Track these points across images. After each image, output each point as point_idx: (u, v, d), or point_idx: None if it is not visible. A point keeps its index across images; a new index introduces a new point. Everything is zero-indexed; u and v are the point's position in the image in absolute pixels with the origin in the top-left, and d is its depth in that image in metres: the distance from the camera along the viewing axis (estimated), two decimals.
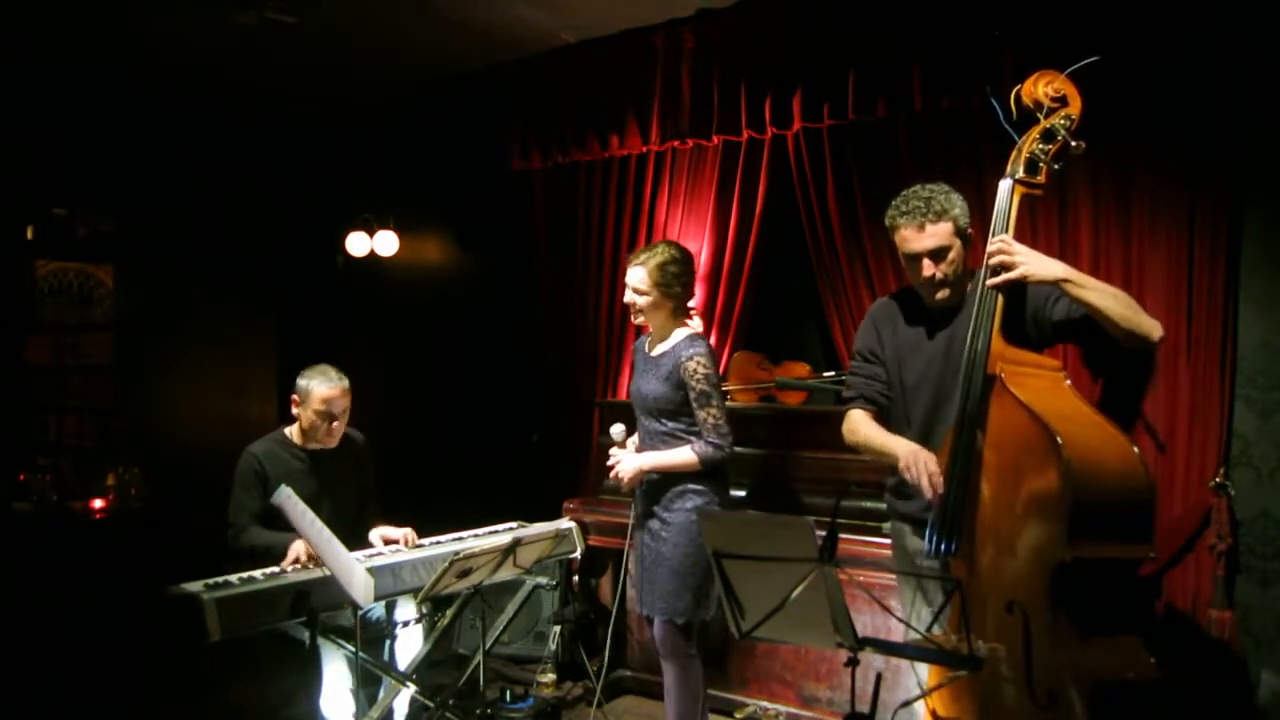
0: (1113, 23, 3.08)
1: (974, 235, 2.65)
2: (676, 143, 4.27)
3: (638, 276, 3.08)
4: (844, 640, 2.07)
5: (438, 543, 3.40)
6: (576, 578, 4.17)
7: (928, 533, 2.44)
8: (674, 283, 3.07)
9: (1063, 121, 2.47)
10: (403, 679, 3.26)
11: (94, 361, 5.56)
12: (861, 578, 2.72)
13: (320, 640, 2.96)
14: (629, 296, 3.12)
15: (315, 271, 6.02)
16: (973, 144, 3.50)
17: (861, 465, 3.41)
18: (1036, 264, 2.44)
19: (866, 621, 3.02)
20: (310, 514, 2.81)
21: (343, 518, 3.33)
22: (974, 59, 3.38)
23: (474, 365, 5.61)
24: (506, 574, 3.15)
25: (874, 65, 3.63)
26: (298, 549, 3.07)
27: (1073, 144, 2.45)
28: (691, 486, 3.06)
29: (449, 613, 3.48)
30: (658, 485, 3.09)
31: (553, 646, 4.24)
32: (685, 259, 3.12)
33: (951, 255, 2.58)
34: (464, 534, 3.51)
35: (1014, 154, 2.50)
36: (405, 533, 3.39)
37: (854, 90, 3.68)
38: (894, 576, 3.01)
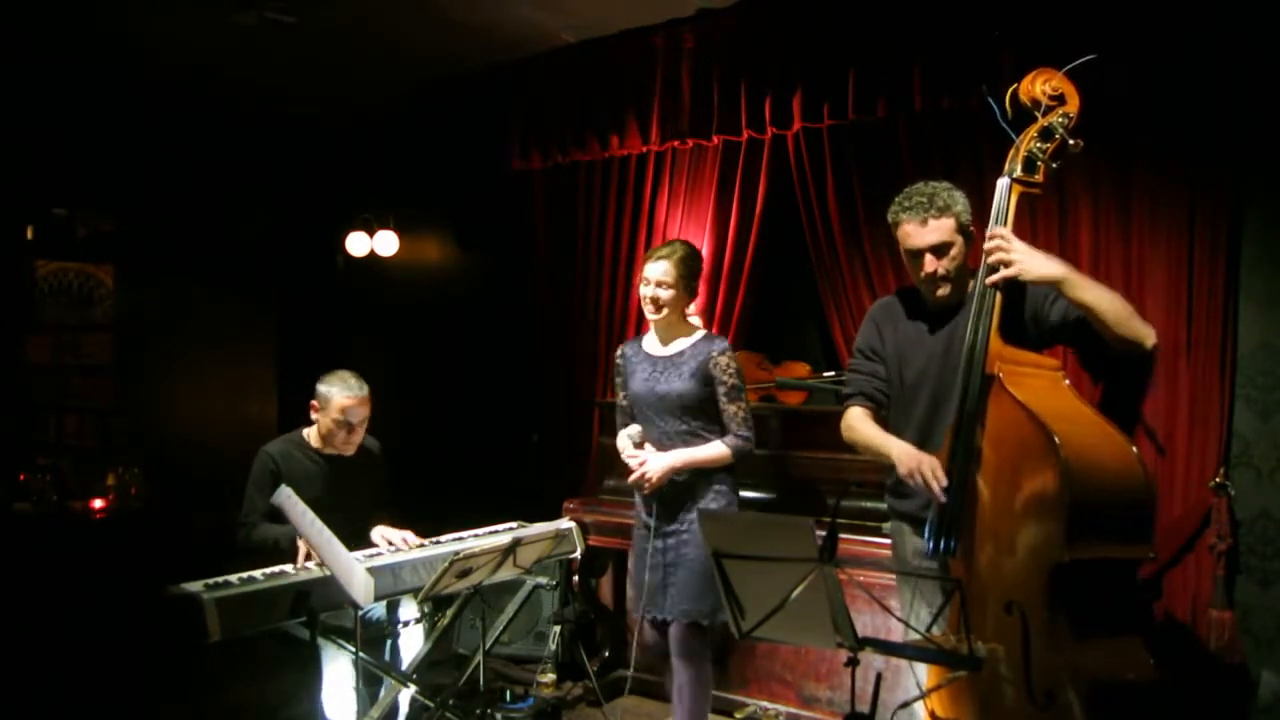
0: (1113, 22, 3.08)
1: (975, 234, 2.65)
2: (676, 143, 4.27)
3: (662, 269, 3.08)
4: (844, 640, 2.07)
5: (438, 543, 3.40)
6: (576, 578, 4.17)
7: (926, 532, 2.45)
8: (694, 277, 3.14)
9: (1060, 120, 2.45)
10: (403, 679, 3.26)
11: (94, 361, 5.56)
12: (861, 578, 2.71)
13: (321, 640, 2.97)
14: (651, 291, 3.10)
15: (315, 271, 6.02)
16: (973, 144, 3.50)
17: (862, 465, 3.40)
18: (1032, 262, 2.43)
19: (866, 621, 3.02)
20: (310, 514, 2.81)
21: (355, 523, 3.32)
22: (974, 59, 3.38)
23: (474, 365, 5.61)
24: (506, 574, 3.15)
25: (874, 65, 3.63)
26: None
27: (1070, 142, 2.44)
28: (716, 487, 3.09)
29: (449, 613, 3.48)
30: (678, 487, 3.08)
31: (553, 646, 4.24)
32: (697, 251, 3.20)
33: (953, 251, 2.58)
34: (464, 534, 3.51)
35: (1011, 152, 2.49)
36: (405, 534, 3.39)
37: (854, 90, 3.68)
38: (894, 576, 3.02)
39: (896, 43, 3.57)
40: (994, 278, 2.43)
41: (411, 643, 3.44)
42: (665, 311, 3.11)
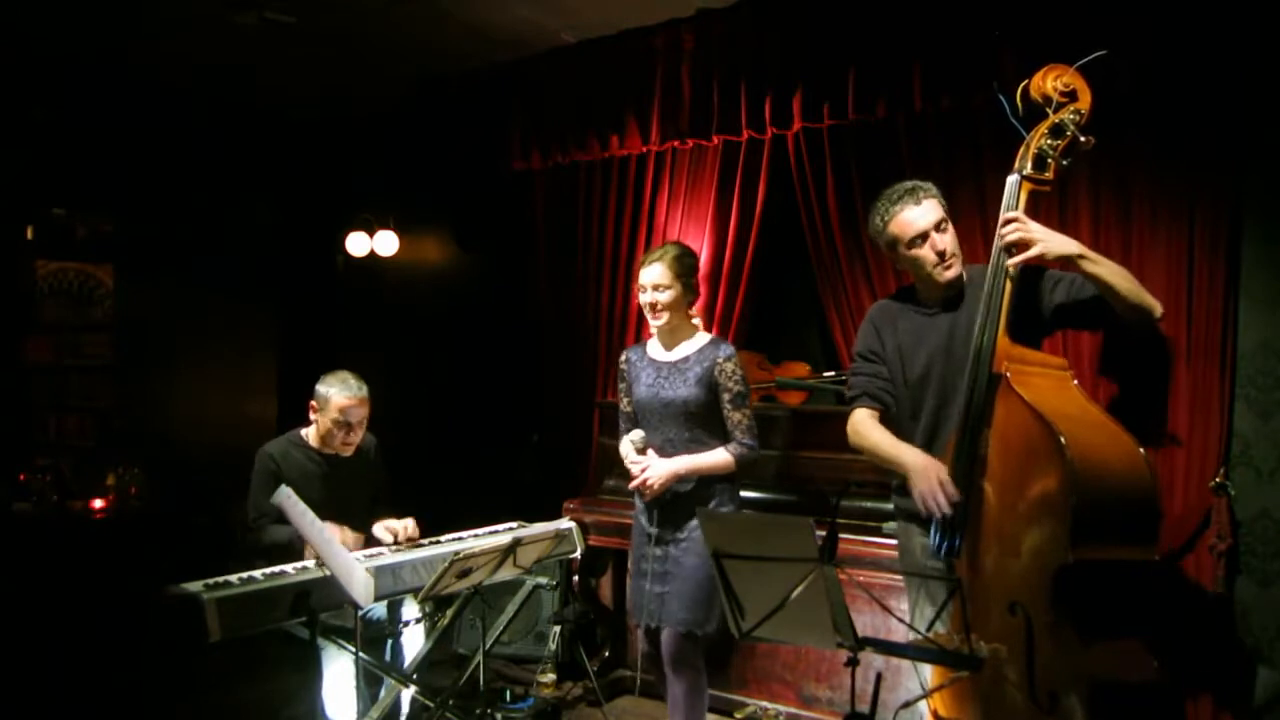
0: (1113, 22, 3.08)
1: (977, 234, 2.67)
2: (676, 143, 4.27)
3: (656, 272, 3.04)
4: (844, 640, 2.07)
5: (438, 543, 3.40)
6: (576, 578, 4.17)
7: (933, 532, 2.44)
8: (691, 275, 3.09)
9: (1072, 116, 2.45)
10: (403, 679, 3.26)
11: (94, 361, 5.56)
12: (861, 578, 2.71)
13: (321, 640, 2.96)
14: (649, 296, 3.06)
15: (315, 271, 6.02)
16: (973, 144, 3.51)
17: (862, 465, 3.40)
18: (1053, 241, 2.46)
19: (866, 621, 3.02)
20: (310, 514, 2.81)
21: (354, 523, 3.32)
22: (974, 59, 3.38)
23: (474, 365, 5.61)
24: (506, 574, 3.14)
25: (874, 65, 3.63)
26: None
27: (1081, 139, 2.44)
28: (717, 496, 3.05)
29: (449, 613, 3.48)
30: (680, 495, 3.04)
31: (553, 646, 4.24)
32: (694, 255, 3.16)
33: (950, 230, 2.61)
34: (464, 534, 3.51)
35: (1022, 149, 2.49)
36: (406, 523, 3.38)
37: (854, 90, 3.68)
38: (894, 576, 3.02)
39: (896, 43, 3.57)
40: (1017, 259, 2.42)
41: (411, 643, 3.44)
42: (667, 315, 3.07)
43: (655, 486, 3.02)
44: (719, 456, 3.03)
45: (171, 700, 3.96)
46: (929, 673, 2.47)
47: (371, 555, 3.21)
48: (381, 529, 3.38)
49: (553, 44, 4.53)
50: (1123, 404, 3.14)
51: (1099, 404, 2.50)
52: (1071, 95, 2.48)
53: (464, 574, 2.90)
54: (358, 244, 5.67)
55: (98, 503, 5.08)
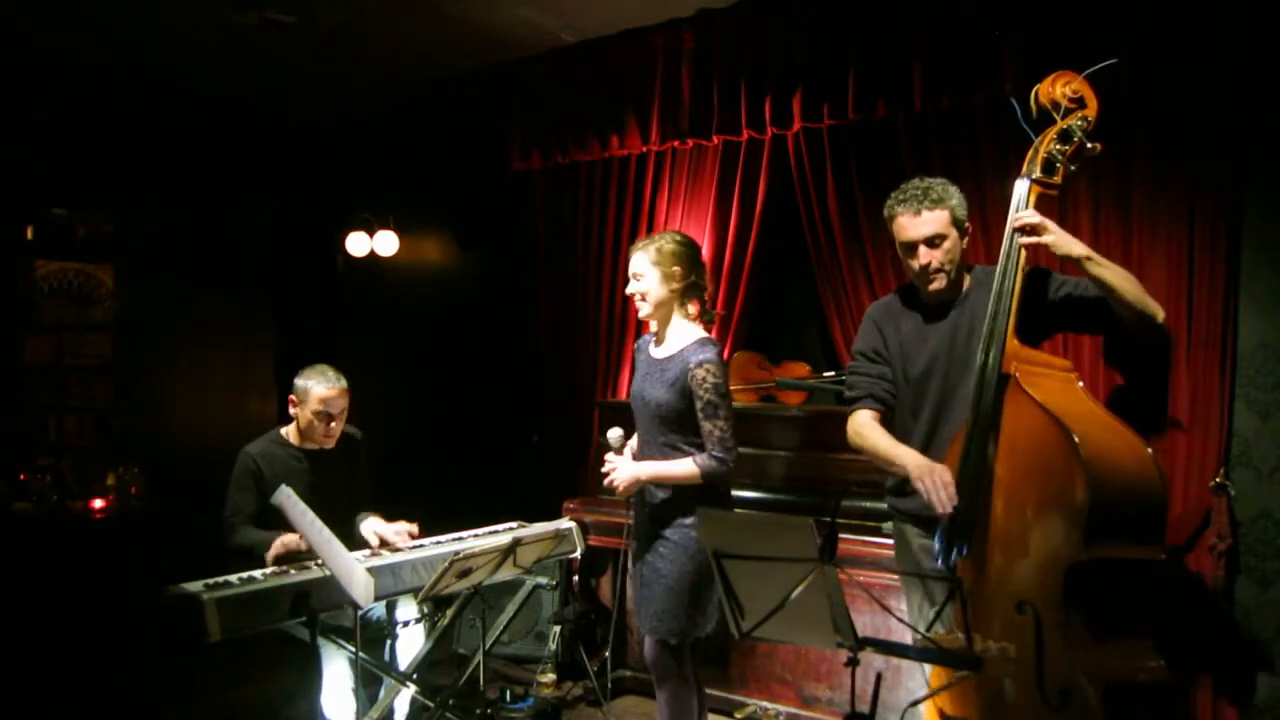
0: (1113, 22, 3.08)
1: (971, 230, 2.68)
2: (676, 143, 4.27)
3: (635, 260, 2.92)
4: (844, 640, 2.07)
5: (438, 543, 3.40)
6: (576, 578, 4.17)
7: (938, 535, 2.44)
8: (671, 262, 2.88)
9: (1079, 123, 2.49)
10: (403, 679, 3.26)
11: (94, 361, 5.56)
12: (861, 578, 2.71)
13: (320, 640, 2.96)
14: (630, 286, 2.95)
15: (315, 271, 6.02)
16: (973, 144, 3.51)
17: (862, 465, 3.40)
18: (1062, 238, 2.49)
19: (866, 621, 3.02)
20: (310, 513, 2.80)
21: (340, 517, 3.32)
22: (974, 59, 3.39)
23: (474, 365, 5.61)
24: (506, 574, 3.14)
25: (874, 65, 3.64)
26: (284, 544, 3.08)
27: (1089, 145, 2.49)
28: (681, 519, 2.87)
29: (449, 613, 3.48)
30: (657, 500, 2.93)
31: (553, 646, 4.24)
32: (688, 244, 2.96)
33: (947, 244, 2.60)
34: (464, 534, 3.51)
35: (1030, 154, 2.53)
36: (399, 527, 3.35)
37: (854, 90, 3.68)
38: (894, 576, 3.02)
39: (896, 43, 3.57)
40: (1027, 240, 2.46)
41: (411, 643, 3.44)
42: (648, 307, 2.92)
43: (619, 489, 2.92)
44: (684, 467, 2.84)
45: (171, 700, 3.96)
46: (930, 672, 2.47)
47: (371, 555, 3.22)
48: (370, 532, 3.36)
49: (553, 44, 4.53)
50: (1123, 404, 3.14)
51: (1102, 404, 2.50)
52: (1080, 102, 2.52)
53: (464, 574, 2.91)
54: (358, 244, 5.67)
55: (98, 503, 5.08)
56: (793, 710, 3.66)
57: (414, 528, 3.40)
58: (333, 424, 3.37)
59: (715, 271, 4.26)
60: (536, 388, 4.93)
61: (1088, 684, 2.14)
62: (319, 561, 2.89)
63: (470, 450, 5.49)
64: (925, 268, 2.60)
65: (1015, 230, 2.48)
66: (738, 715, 3.70)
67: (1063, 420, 2.23)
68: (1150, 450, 2.28)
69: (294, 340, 5.94)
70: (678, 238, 2.97)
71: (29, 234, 5.23)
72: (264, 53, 4.61)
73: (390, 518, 3.45)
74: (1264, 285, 3.08)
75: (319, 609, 2.82)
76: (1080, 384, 2.46)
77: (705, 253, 4.24)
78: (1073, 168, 2.52)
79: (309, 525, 2.79)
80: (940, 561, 2.45)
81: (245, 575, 2.94)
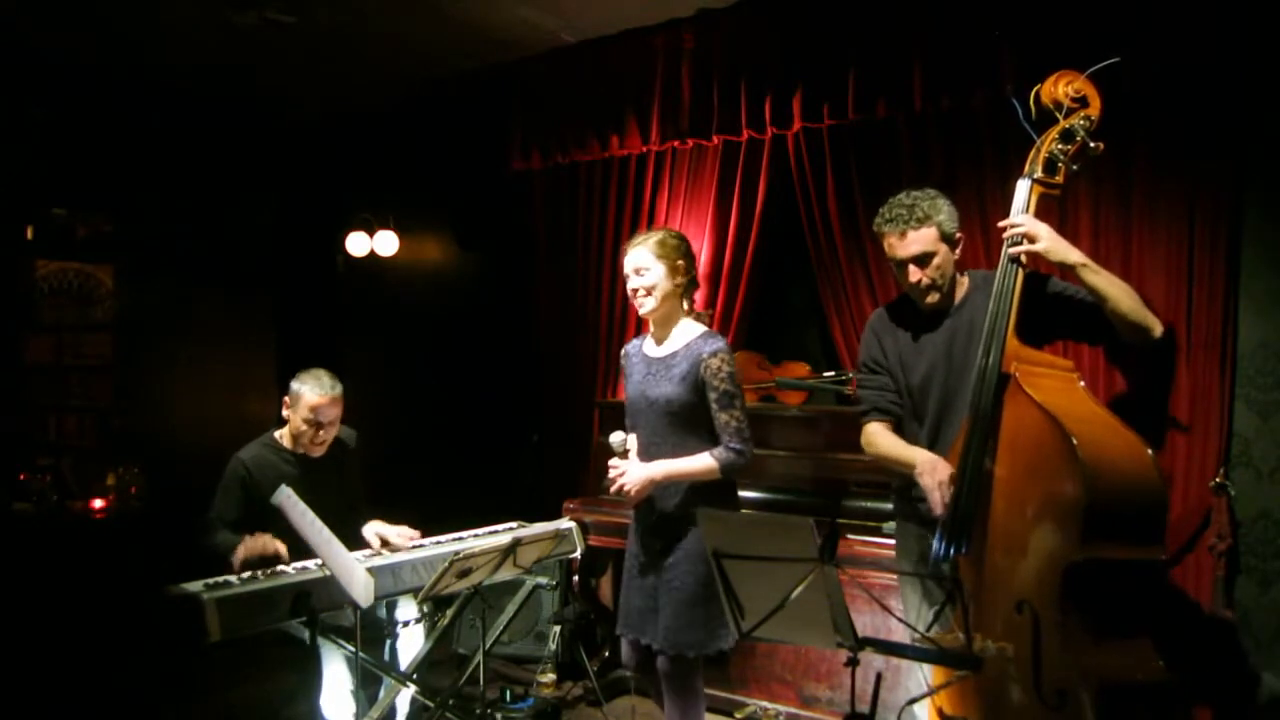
0: (1113, 22, 3.08)
1: (965, 236, 2.68)
2: (676, 143, 4.27)
3: (638, 254, 2.82)
4: (844, 640, 2.07)
5: (438, 543, 3.40)
6: (576, 578, 4.16)
7: (937, 534, 2.45)
8: (676, 255, 2.82)
9: (1082, 122, 2.50)
10: (403, 679, 3.26)
11: (94, 361, 5.56)
12: (862, 578, 2.71)
13: (321, 640, 2.96)
14: (633, 282, 2.84)
15: (315, 271, 6.02)
16: (973, 144, 3.51)
17: (862, 465, 3.42)
18: (1058, 244, 2.50)
19: (866, 621, 3.02)
20: (310, 514, 2.80)
21: (337, 520, 3.30)
22: (974, 59, 3.39)
23: (474, 365, 5.61)
24: (506, 574, 3.15)
25: (874, 65, 3.63)
26: (247, 547, 3.05)
27: (1091, 145, 2.49)
28: (709, 505, 2.68)
29: (449, 613, 3.48)
30: (669, 503, 2.81)
31: (553, 646, 4.24)
32: (685, 239, 2.92)
33: (937, 260, 2.61)
34: (464, 534, 3.51)
35: (1032, 153, 2.53)
36: (402, 531, 3.35)
37: (854, 90, 3.68)
38: (894, 576, 3.02)
39: (896, 43, 3.57)
40: (1018, 249, 2.46)
41: (410, 643, 3.44)
42: (651, 302, 2.82)
43: (631, 493, 2.78)
44: (702, 461, 2.74)
45: (171, 700, 3.96)
46: (930, 671, 2.47)
47: (371, 555, 3.22)
48: (372, 534, 3.35)
49: (553, 44, 4.53)
50: (1123, 404, 3.14)
51: (1103, 405, 2.51)
52: (1082, 101, 2.53)
53: (464, 574, 2.91)
54: (358, 244, 5.67)
55: (98, 503, 5.08)
56: (793, 710, 3.66)
57: (416, 533, 3.38)
58: (321, 432, 3.30)
59: (715, 271, 4.26)
60: (536, 388, 4.93)
61: (1085, 684, 2.14)
62: (318, 561, 2.89)
63: (470, 450, 5.49)
64: (916, 284, 2.63)
65: (1008, 243, 2.48)
66: (738, 715, 3.70)
67: (1061, 420, 2.23)
68: (1150, 451, 2.28)
69: (294, 340, 5.94)
70: (674, 233, 2.94)
71: (29, 234, 5.23)
72: (264, 53, 4.60)
73: (390, 518, 3.45)
74: (1264, 285, 3.08)
75: (319, 609, 2.82)
76: (1081, 384, 2.46)
77: (705, 253, 4.26)
78: (1075, 168, 2.52)
79: (309, 525, 2.79)
80: (940, 561, 2.45)
81: (245, 575, 2.94)
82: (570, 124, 4.55)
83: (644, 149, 4.37)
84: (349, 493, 3.49)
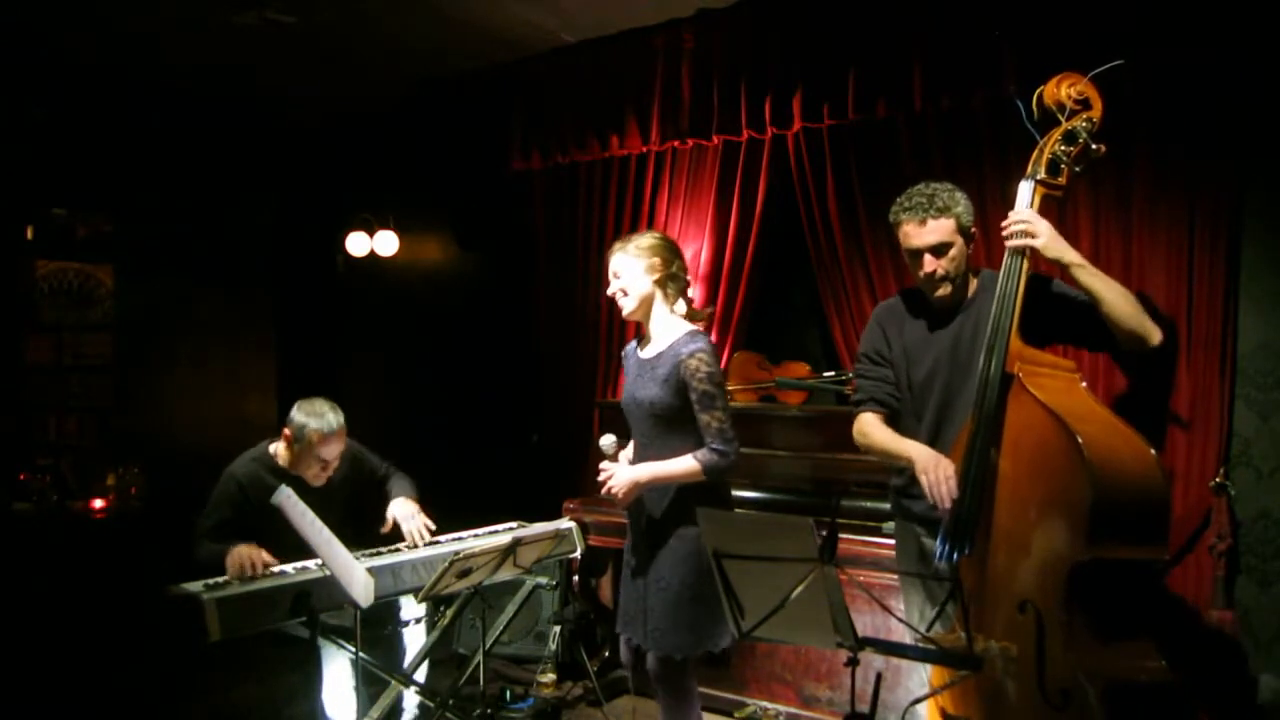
0: (1114, 23, 3.08)
1: (977, 235, 2.68)
2: (676, 143, 4.27)
3: (615, 259, 2.86)
4: (844, 640, 2.07)
5: (438, 543, 3.40)
6: (576, 578, 4.17)
7: (940, 535, 2.44)
8: (651, 254, 2.82)
9: (1084, 124, 2.50)
10: (402, 679, 3.26)
11: (94, 361, 5.55)
12: (861, 578, 2.71)
13: (321, 640, 2.96)
14: (612, 285, 2.88)
15: (315, 271, 6.02)
16: (973, 144, 3.51)
17: (862, 465, 3.42)
18: (1055, 242, 2.49)
19: (866, 621, 3.02)
20: (310, 513, 2.80)
21: (335, 533, 3.28)
22: (974, 59, 3.39)
23: (473, 365, 5.61)
24: (506, 574, 3.15)
25: (874, 65, 3.64)
26: (239, 559, 2.97)
27: (1093, 146, 2.49)
28: (682, 529, 2.73)
29: (449, 612, 3.48)
30: (657, 506, 2.80)
31: (553, 646, 4.24)
32: (665, 238, 2.92)
33: (953, 252, 2.61)
34: (464, 534, 3.51)
35: (1035, 155, 2.53)
36: (420, 524, 3.34)
37: (854, 90, 3.68)
38: (894, 576, 3.02)
39: (896, 43, 3.57)
40: (1016, 243, 2.47)
41: (411, 643, 3.44)
42: (631, 303, 2.84)
43: (618, 496, 2.76)
44: (685, 464, 2.71)
45: (171, 700, 3.96)
46: (930, 671, 2.47)
47: (371, 555, 3.22)
48: (393, 510, 3.35)
49: (552, 44, 4.53)
50: (1123, 404, 3.14)
51: (1105, 405, 2.51)
52: (1085, 103, 2.53)
53: (464, 574, 2.91)
54: (358, 244, 5.67)
55: (98, 503, 5.08)
56: (793, 710, 3.66)
57: (431, 528, 3.38)
58: (328, 468, 3.27)
59: (715, 271, 4.26)
60: (536, 388, 4.93)
61: (1089, 684, 2.14)
62: (318, 561, 2.89)
63: (470, 450, 5.48)
64: (931, 275, 2.62)
65: (1006, 229, 2.49)
66: (738, 715, 3.70)
67: (1066, 420, 2.23)
68: (1153, 451, 2.28)
69: (294, 340, 5.94)
70: (654, 234, 2.95)
71: (29, 234, 5.23)
72: (264, 53, 4.60)
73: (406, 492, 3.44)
74: (1264, 285, 3.08)
75: (319, 609, 2.82)
76: (1084, 384, 2.46)
77: (705, 253, 4.25)
78: (1077, 169, 2.52)
79: (309, 525, 2.79)
80: (942, 561, 2.45)
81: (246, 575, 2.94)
82: (570, 124, 4.55)
83: (644, 149, 4.37)
84: (356, 509, 3.45)
